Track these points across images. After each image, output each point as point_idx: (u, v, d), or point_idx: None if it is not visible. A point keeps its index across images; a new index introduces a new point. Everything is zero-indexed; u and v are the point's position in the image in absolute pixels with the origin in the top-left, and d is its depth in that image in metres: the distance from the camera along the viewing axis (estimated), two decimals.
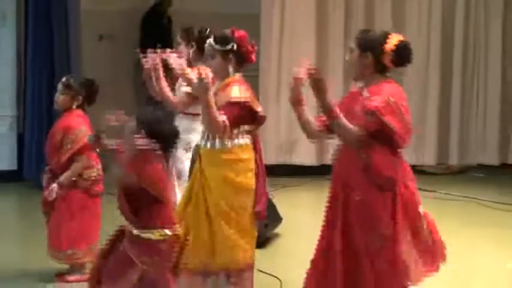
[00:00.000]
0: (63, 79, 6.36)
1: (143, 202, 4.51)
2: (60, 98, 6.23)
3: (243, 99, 5.33)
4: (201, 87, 5.02)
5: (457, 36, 10.84)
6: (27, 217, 8.51)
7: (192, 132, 6.48)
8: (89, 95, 6.30)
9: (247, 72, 5.69)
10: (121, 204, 4.57)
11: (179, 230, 4.67)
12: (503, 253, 7.29)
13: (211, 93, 5.10)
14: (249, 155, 5.37)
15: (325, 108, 4.50)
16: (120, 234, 4.67)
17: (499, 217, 8.70)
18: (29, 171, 9.31)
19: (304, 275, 4.97)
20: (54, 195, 6.09)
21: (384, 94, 4.51)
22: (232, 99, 5.28)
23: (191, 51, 6.69)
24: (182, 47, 6.75)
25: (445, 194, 9.53)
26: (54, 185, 6.10)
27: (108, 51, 10.96)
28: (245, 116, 5.36)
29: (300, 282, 5.86)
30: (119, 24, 11.22)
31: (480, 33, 10.95)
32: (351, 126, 4.51)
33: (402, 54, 4.66)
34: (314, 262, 4.93)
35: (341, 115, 4.53)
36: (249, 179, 5.35)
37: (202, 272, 5.41)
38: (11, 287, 6.30)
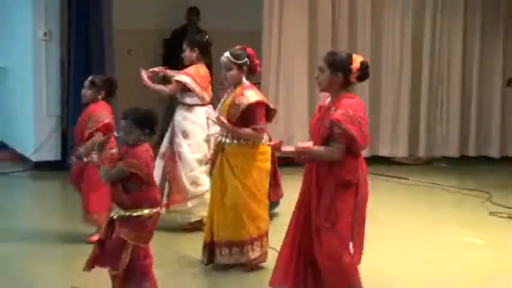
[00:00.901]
0: (89, 77, 6.62)
1: (134, 185, 4.57)
2: (87, 92, 6.48)
3: (262, 100, 5.56)
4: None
5: (425, 49, 10.89)
6: (69, 197, 8.59)
7: (186, 120, 6.77)
8: (109, 89, 6.55)
9: (252, 80, 5.90)
10: (115, 188, 4.65)
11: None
12: (461, 229, 7.41)
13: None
14: (266, 147, 5.68)
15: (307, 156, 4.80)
16: (111, 223, 4.70)
17: (458, 199, 8.87)
18: (71, 161, 9.36)
19: None
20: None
21: (344, 108, 4.64)
22: (256, 101, 5.60)
23: (194, 54, 6.91)
24: (187, 52, 6.96)
25: (415, 180, 9.61)
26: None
27: (136, 62, 11.02)
28: (265, 114, 5.61)
29: None
30: (143, 40, 11.28)
31: (444, 47, 11.00)
32: (326, 150, 4.67)
33: (364, 72, 4.78)
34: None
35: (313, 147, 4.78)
36: (267, 165, 5.72)
37: (228, 242, 5.68)
38: (54, 250, 6.43)
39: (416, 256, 6.33)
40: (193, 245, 6.20)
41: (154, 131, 4.75)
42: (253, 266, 5.78)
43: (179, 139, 6.79)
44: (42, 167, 9.57)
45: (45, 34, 9.51)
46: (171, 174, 6.79)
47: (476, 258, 6.54)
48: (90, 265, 4.79)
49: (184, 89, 6.79)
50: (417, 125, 10.92)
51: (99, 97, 6.47)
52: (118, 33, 9.79)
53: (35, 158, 9.70)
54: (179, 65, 10.15)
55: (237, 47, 5.82)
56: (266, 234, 5.78)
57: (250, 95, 5.61)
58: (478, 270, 6.20)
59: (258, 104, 5.63)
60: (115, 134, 5.57)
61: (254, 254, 5.70)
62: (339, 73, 4.72)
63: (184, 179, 6.73)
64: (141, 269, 4.64)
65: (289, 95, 10.31)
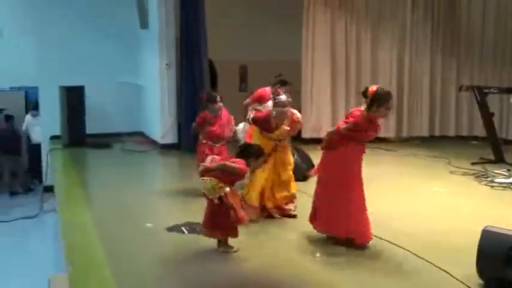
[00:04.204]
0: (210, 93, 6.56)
1: None
2: (219, 105, 6.26)
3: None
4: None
5: (406, 67, 10.72)
6: (183, 166, 8.71)
7: None
8: (211, 102, 6.29)
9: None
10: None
11: None
12: (431, 181, 7.30)
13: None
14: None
15: None
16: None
17: (428, 163, 8.65)
18: (183, 143, 9.46)
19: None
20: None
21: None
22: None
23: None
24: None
25: (400, 151, 9.47)
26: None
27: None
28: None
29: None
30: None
31: (418, 65, 10.80)
32: None
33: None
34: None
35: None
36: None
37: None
38: (174, 198, 6.42)
39: (402, 201, 6.25)
40: None
41: None
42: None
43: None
44: (166, 147, 9.60)
45: (166, 64, 9.58)
46: None
47: (442, 200, 6.46)
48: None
49: None
50: (401, 115, 10.77)
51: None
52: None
53: (161, 142, 9.77)
54: None
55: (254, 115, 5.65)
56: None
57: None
58: (444, 208, 6.12)
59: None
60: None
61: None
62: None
63: None
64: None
65: (319, 101, 10.21)
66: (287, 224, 5.39)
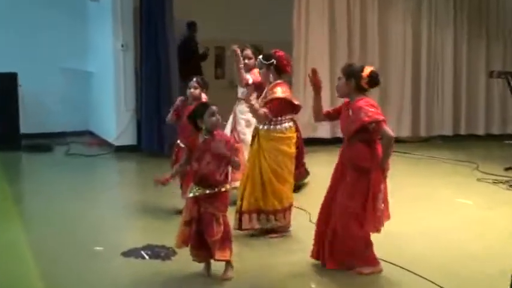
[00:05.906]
0: (195, 79, 6.28)
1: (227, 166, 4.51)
2: (195, 92, 6.16)
3: (282, 96, 5.43)
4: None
5: (423, 50, 10.82)
6: (142, 173, 8.65)
7: (249, 112, 6.45)
8: (206, 88, 6.26)
9: (287, 78, 5.80)
10: (213, 170, 4.42)
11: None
12: (454, 192, 7.37)
13: (253, 102, 5.44)
14: (292, 134, 5.56)
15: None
16: (196, 202, 4.47)
17: (451, 169, 8.77)
18: (144, 145, 9.43)
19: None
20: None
21: (362, 109, 4.55)
22: (275, 96, 5.39)
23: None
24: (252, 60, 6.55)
25: (416, 154, 9.51)
26: None
27: None
28: (285, 107, 5.48)
29: None
30: None
31: (438, 47, 10.90)
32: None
33: (373, 79, 4.67)
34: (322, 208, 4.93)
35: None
36: (291, 149, 5.53)
37: (257, 209, 5.55)
38: (131, 212, 6.42)
39: (419, 214, 6.28)
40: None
41: None
42: (276, 233, 5.59)
43: (242, 127, 6.58)
44: (122, 150, 9.58)
45: (122, 45, 9.54)
46: None
47: (468, 215, 6.48)
48: (184, 243, 4.55)
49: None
50: (418, 111, 10.85)
51: (203, 94, 6.22)
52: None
53: (116, 143, 9.75)
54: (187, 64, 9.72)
55: (273, 50, 5.64)
56: (289, 208, 5.60)
57: (277, 91, 5.49)
58: (471, 225, 6.13)
59: (278, 99, 5.46)
60: None
61: (277, 223, 5.54)
62: (352, 79, 4.64)
63: (246, 161, 6.53)
64: (228, 231, 4.55)
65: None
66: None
